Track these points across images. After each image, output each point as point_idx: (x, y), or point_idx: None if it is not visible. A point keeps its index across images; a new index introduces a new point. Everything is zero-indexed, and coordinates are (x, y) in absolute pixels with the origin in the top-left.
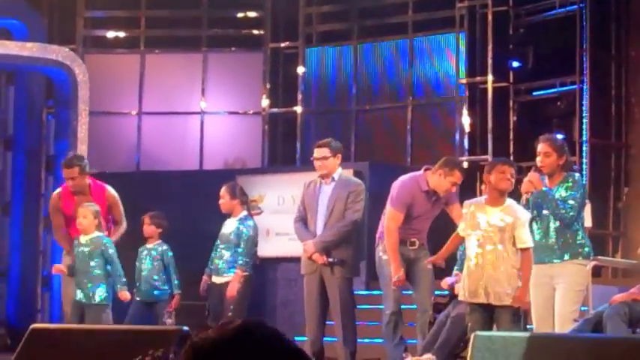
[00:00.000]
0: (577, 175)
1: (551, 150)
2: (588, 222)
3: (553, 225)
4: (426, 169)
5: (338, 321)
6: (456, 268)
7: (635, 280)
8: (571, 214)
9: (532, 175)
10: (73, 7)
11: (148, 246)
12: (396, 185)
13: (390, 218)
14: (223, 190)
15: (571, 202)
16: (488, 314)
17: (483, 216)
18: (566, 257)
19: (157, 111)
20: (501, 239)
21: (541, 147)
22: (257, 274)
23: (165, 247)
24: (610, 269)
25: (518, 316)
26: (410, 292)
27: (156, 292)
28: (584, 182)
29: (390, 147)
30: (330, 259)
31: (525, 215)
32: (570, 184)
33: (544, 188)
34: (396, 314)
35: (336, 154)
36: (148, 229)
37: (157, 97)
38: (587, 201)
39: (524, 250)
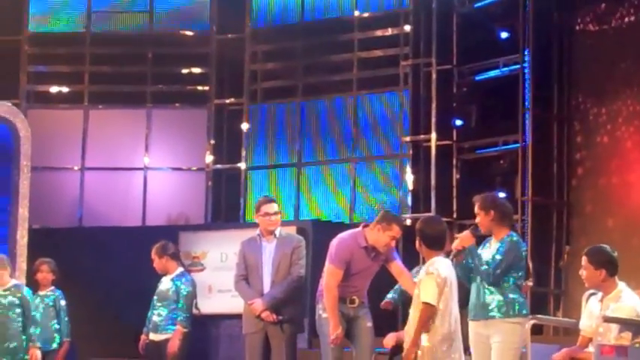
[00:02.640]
0: (515, 235)
1: (478, 209)
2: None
3: (486, 283)
4: (364, 226)
5: None
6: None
7: (576, 338)
8: (494, 272)
9: (463, 233)
10: (16, 62)
11: (41, 293)
12: (335, 243)
13: (329, 275)
14: (152, 254)
15: (496, 259)
16: None
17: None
18: (500, 315)
19: (99, 166)
20: (417, 297)
21: (475, 208)
22: (199, 331)
23: (58, 293)
24: (552, 327)
25: None
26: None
27: (47, 344)
28: (519, 242)
29: (334, 204)
30: (280, 317)
31: (431, 270)
32: (503, 244)
33: (471, 249)
34: None
35: (280, 210)
36: (48, 276)
37: (100, 153)
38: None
39: (422, 303)
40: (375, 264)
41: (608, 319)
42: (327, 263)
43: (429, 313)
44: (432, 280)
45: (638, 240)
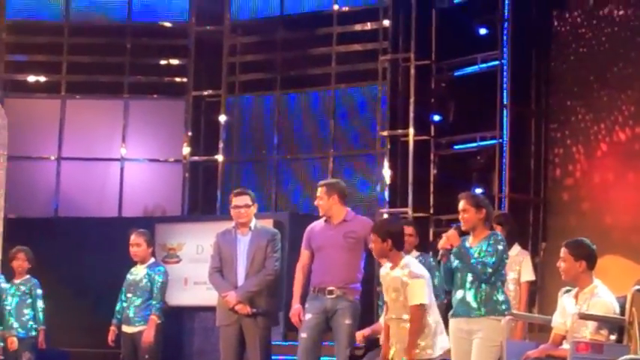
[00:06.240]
0: (499, 234)
1: (469, 206)
2: (531, 276)
3: (470, 280)
4: None
5: None
6: None
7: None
8: (486, 272)
9: (449, 232)
10: None
11: (17, 281)
12: None
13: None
14: (139, 239)
15: (489, 260)
16: None
17: (387, 278)
18: (483, 312)
19: (76, 156)
20: (397, 299)
21: (460, 204)
22: (174, 323)
23: (34, 281)
24: (527, 324)
25: None
26: (331, 343)
27: (22, 331)
28: (504, 240)
29: (310, 197)
30: (254, 310)
31: (417, 273)
32: (492, 242)
33: (461, 246)
34: None
35: (254, 203)
36: (23, 264)
37: (76, 143)
38: (527, 255)
39: (412, 306)
40: (341, 238)
41: (584, 317)
42: None
43: (423, 312)
44: (418, 281)
45: (618, 236)
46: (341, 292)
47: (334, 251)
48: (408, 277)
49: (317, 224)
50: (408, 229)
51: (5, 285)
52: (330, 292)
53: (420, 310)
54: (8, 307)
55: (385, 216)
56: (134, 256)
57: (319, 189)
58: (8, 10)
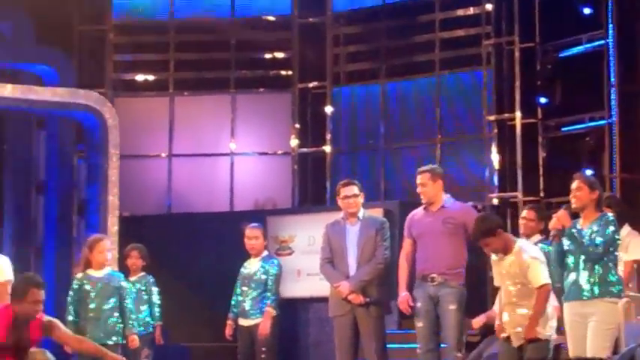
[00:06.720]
0: (610, 215)
1: (583, 184)
2: (637, 255)
3: (583, 262)
4: None
5: None
6: None
7: None
8: (597, 252)
9: (559, 212)
10: (102, 51)
11: (132, 279)
12: None
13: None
14: (257, 231)
15: (598, 240)
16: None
17: (500, 263)
18: (597, 294)
19: (186, 153)
20: (513, 284)
21: (574, 183)
22: (289, 315)
23: (149, 278)
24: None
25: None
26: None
27: (141, 329)
28: (615, 221)
29: None
30: (367, 299)
31: (534, 255)
32: (602, 223)
33: (573, 228)
34: (424, 353)
35: (362, 192)
36: (137, 262)
37: (186, 139)
38: (638, 236)
39: (537, 288)
40: (440, 224)
41: None
42: None
43: (548, 292)
44: (539, 263)
45: None
46: (442, 278)
47: (434, 238)
48: (528, 259)
49: (417, 212)
50: (530, 214)
51: (125, 284)
52: (432, 280)
53: (546, 290)
54: (129, 306)
55: (495, 201)
56: (251, 249)
57: (421, 176)
58: (115, 10)
